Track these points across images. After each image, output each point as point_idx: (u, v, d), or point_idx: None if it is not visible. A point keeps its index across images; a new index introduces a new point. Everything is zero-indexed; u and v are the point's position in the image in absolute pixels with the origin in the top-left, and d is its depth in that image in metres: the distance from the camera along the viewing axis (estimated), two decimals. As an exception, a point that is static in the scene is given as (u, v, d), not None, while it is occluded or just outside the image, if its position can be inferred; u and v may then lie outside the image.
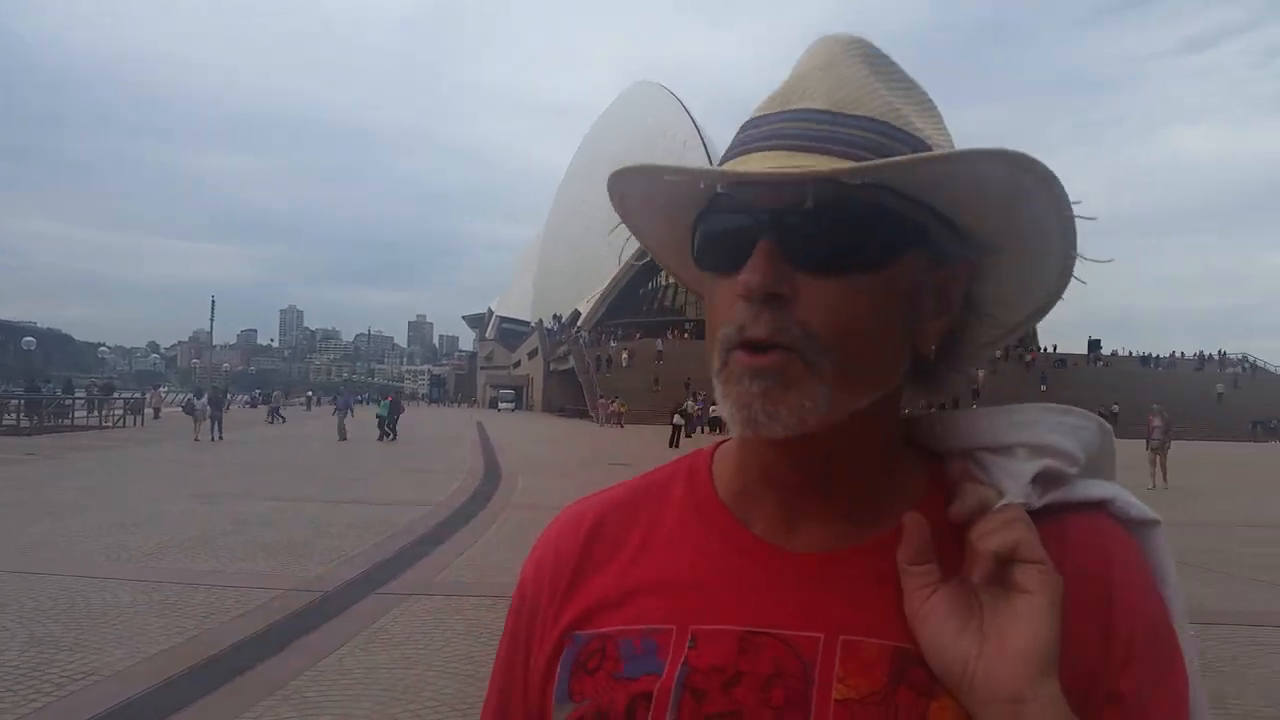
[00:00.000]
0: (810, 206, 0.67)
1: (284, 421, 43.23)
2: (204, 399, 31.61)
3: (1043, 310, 0.81)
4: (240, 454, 24.18)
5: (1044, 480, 0.74)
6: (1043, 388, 58.49)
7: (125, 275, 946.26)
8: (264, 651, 5.95)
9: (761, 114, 0.74)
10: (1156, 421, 21.20)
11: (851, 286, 0.69)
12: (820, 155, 0.68)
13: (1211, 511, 15.71)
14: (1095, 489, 0.76)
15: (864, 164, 0.66)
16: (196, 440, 28.30)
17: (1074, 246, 0.73)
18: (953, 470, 0.76)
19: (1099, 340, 79.63)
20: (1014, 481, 0.73)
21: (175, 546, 9.71)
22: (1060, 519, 0.73)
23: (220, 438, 29.11)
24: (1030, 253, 0.75)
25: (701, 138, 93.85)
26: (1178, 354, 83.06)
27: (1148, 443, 20.80)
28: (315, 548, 9.83)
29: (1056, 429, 0.76)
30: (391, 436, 31.87)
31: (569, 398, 67.23)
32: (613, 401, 48.50)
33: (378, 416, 33.42)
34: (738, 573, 0.76)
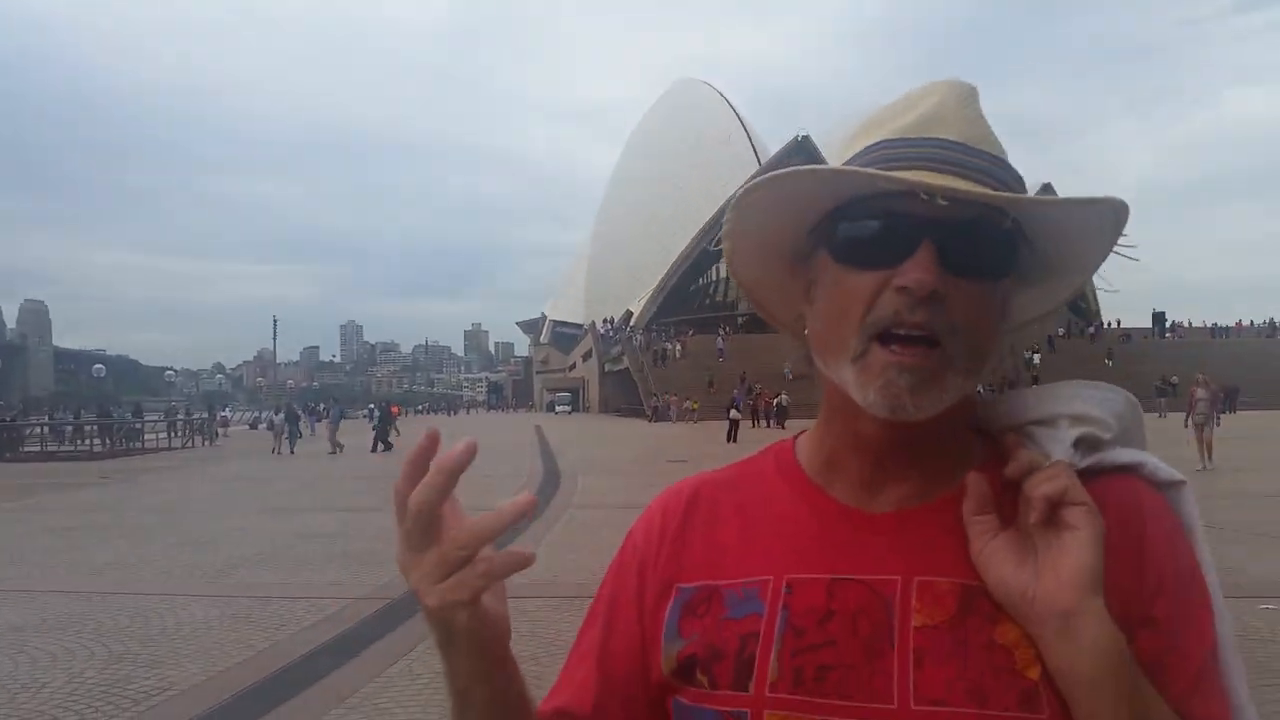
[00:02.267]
0: (980, 222, 0.79)
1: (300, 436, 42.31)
2: (280, 415, 32.83)
3: (1048, 317, 0.96)
4: (303, 469, 24.60)
5: (1084, 446, 0.85)
6: (1108, 362, 57.43)
7: (188, 299, 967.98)
8: (335, 661, 6.04)
9: (901, 137, 0.84)
10: (1201, 393, 18.67)
11: (987, 291, 0.81)
12: (963, 180, 0.80)
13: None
14: (1128, 455, 0.87)
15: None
16: (276, 454, 29.61)
17: (1095, 274, 0.91)
18: (1006, 441, 0.86)
19: (1164, 313, 78.12)
20: (1059, 446, 0.85)
21: (245, 561, 9.91)
22: (1100, 481, 0.83)
23: (293, 452, 30.06)
24: (1071, 275, 0.90)
25: (746, 130, 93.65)
26: (1245, 322, 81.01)
27: (1189, 416, 18.64)
28: (383, 555, 9.88)
29: (1090, 400, 0.88)
30: (385, 448, 30.30)
31: (624, 398, 67.38)
32: (685, 399, 48.94)
33: (372, 429, 32.13)
34: (824, 532, 0.87)
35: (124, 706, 5.20)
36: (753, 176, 0.82)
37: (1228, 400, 45.30)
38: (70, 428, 37.81)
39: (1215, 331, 76.10)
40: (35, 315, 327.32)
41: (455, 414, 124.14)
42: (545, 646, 6.10)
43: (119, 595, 8.19)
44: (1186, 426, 18.33)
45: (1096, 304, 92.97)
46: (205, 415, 43.27)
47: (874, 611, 0.81)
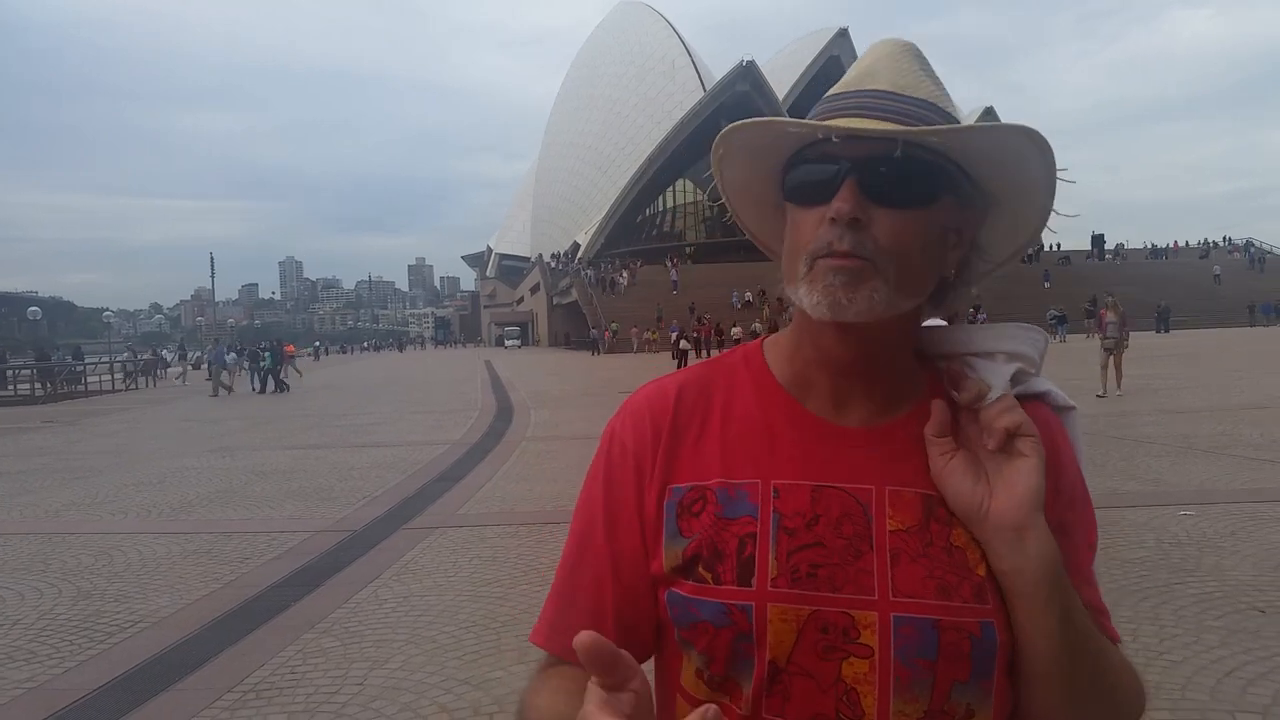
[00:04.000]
0: (888, 155, 0.90)
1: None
2: (231, 355, 32.49)
3: (1023, 249, 1.07)
4: (251, 408, 24.46)
5: (1015, 377, 1.01)
6: (1046, 285, 58.43)
7: (123, 238, 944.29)
8: (301, 590, 6.18)
9: (840, 92, 0.98)
10: (1110, 316, 17.32)
11: (908, 217, 0.92)
12: (890, 122, 0.91)
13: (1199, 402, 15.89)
14: (1040, 383, 1.04)
15: (933, 127, 0.90)
16: (230, 392, 29.60)
17: (1052, 202, 0.98)
18: (949, 369, 1.01)
19: (1102, 235, 79.55)
20: (998, 378, 0.99)
21: (203, 499, 9.97)
22: (1023, 406, 0.98)
23: (262, 390, 29.87)
24: (1022, 205, 0.99)
25: (690, 56, 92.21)
26: (1181, 243, 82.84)
27: (1101, 341, 17.37)
28: (339, 491, 10.08)
29: (1024, 341, 1.03)
30: (277, 389, 29.87)
31: (573, 330, 67.42)
32: (645, 330, 49.81)
33: (264, 368, 31.31)
34: (802, 441, 0.99)
35: (97, 639, 5.32)
36: (732, 124, 0.98)
37: (1160, 319, 46.80)
38: (9, 372, 36.99)
39: (1153, 253, 77.78)
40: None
41: (404, 350, 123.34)
42: (507, 570, 6.37)
43: (79, 535, 8.24)
44: (1101, 348, 17.22)
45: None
46: (180, 354, 41.26)
47: (855, 516, 0.94)
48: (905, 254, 0.91)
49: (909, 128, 0.90)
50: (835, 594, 0.91)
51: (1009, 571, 0.90)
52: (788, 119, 0.94)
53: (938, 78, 0.99)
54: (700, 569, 0.94)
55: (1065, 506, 0.97)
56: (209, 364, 31.45)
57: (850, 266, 0.89)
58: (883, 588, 0.91)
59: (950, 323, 1.12)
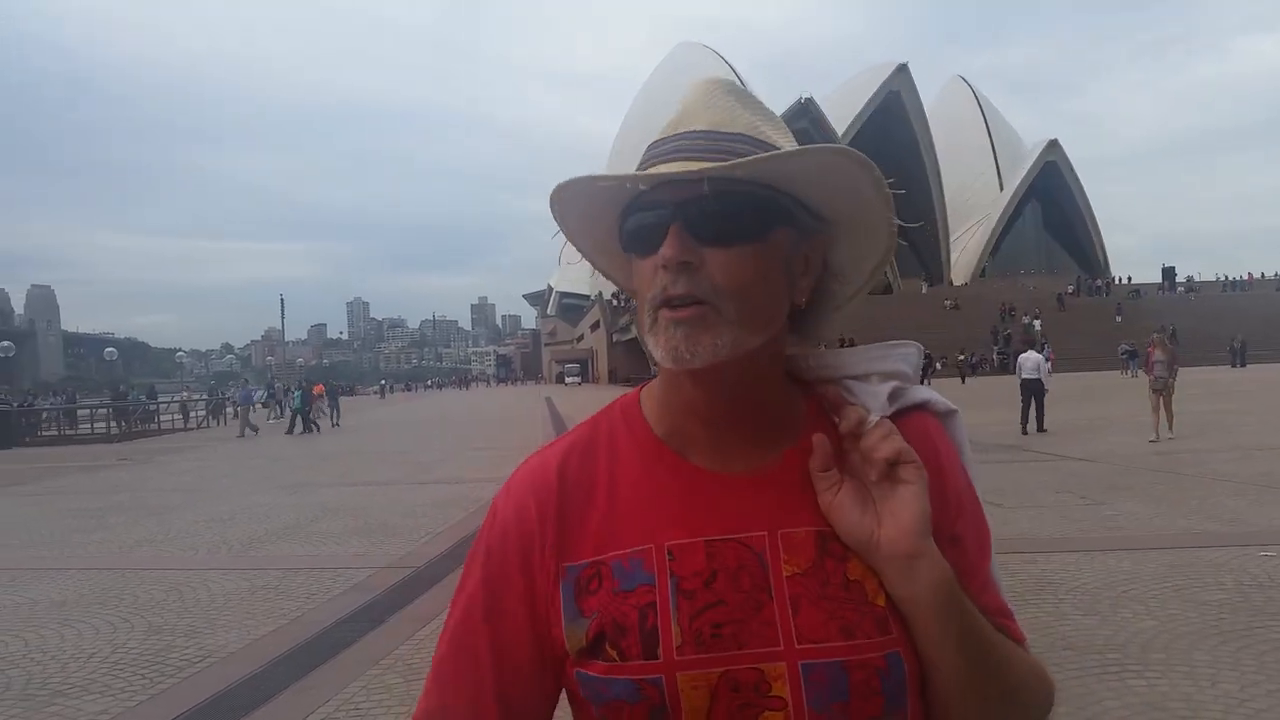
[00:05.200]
0: (706, 195, 0.89)
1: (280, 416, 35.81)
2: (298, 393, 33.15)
3: (880, 267, 1.04)
4: (313, 445, 24.86)
5: (892, 395, 1.01)
6: (1118, 319, 57.37)
7: (195, 280, 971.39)
8: (366, 625, 6.25)
9: (661, 137, 0.97)
10: (1158, 354, 16.24)
11: (742, 253, 0.91)
12: (707, 161, 0.90)
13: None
14: (918, 394, 1.04)
15: (734, 161, 0.89)
16: (257, 432, 30.49)
17: (894, 216, 0.97)
18: (827, 394, 1.01)
19: (1173, 268, 78.32)
20: (875, 400, 0.99)
21: (271, 535, 10.16)
22: (903, 419, 0.99)
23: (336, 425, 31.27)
24: (864, 224, 0.98)
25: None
26: (1256, 274, 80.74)
27: (1150, 380, 16.24)
28: (403, 527, 10.19)
29: (896, 359, 1.03)
30: (307, 429, 29.84)
31: (634, 367, 67.56)
32: None
33: (291, 409, 31.32)
34: (690, 497, 0.96)
35: (167, 673, 5.43)
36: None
37: (1237, 354, 45.48)
38: (85, 411, 38.16)
39: (1226, 285, 75.95)
40: (43, 300, 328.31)
41: (467, 387, 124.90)
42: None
43: (151, 571, 8.44)
44: (1150, 389, 16.17)
45: (1105, 260, 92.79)
46: (270, 390, 41.11)
47: (751, 567, 0.91)
48: (744, 290, 0.90)
49: (714, 163, 0.89)
50: (741, 650, 0.88)
51: (904, 599, 0.90)
52: (602, 175, 0.95)
53: (760, 106, 0.99)
54: (607, 647, 0.91)
55: (954, 515, 0.97)
56: (235, 405, 32.01)
57: (689, 317, 0.89)
58: (787, 636, 0.89)
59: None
